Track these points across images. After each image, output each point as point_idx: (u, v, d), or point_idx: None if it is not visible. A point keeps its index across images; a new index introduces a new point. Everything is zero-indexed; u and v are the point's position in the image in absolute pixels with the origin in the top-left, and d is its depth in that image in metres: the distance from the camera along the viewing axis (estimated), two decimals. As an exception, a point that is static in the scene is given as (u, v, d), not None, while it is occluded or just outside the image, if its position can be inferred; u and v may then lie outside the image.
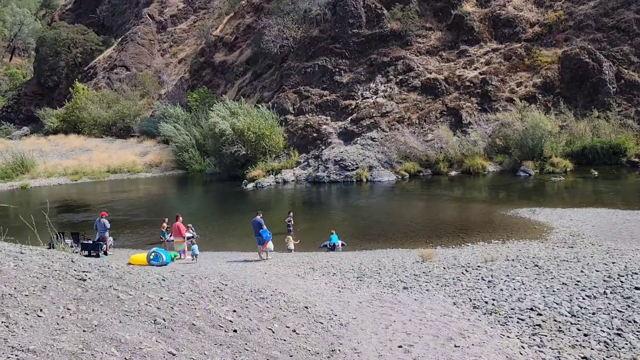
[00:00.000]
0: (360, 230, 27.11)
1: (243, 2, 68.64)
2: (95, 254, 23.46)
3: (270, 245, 22.49)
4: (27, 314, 5.14)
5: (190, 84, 65.93)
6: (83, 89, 70.65)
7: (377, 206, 33.31)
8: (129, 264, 21.37)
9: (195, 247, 22.80)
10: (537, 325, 11.18)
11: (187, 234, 25.05)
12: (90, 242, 24.08)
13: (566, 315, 11.68)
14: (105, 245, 23.94)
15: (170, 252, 22.05)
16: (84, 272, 6.98)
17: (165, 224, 25.89)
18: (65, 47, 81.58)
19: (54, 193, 44.44)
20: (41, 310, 5.32)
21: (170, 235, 24.10)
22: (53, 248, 19.31)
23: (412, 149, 39.85)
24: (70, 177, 48.22)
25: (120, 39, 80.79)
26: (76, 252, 23.46)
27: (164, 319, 6.36)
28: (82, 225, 29.82)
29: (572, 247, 19.92)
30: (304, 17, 48.89)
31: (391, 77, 44.19)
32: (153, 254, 21.28)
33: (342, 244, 23.26)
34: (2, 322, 4.82)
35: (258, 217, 21.39)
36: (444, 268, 16.79)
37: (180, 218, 22.65)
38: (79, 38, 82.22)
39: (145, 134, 60.33)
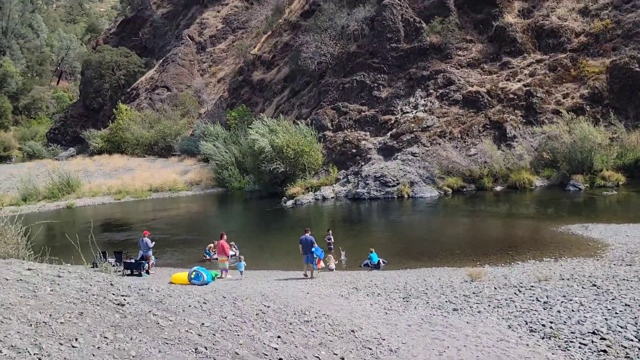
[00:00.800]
0: (403, 247, 26.41)
1: (280, 20, 69.10)
2: (137, 272, 23.42)
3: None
4: (62, 344, 4.80)
5: (229, 103, 66.46)
6: (126, 109, 72.02)
7: (419, 223, 32.53)
8: (171, 283, 21.22)
9: (242, 263, 22.55)
10: (602, 351, 10.37)
11: (230, 252, 24.86)
12: (133, 261, 24.07)
13: (633, 340, 10.83)
14: (147, 264, 23.90)
15: (211, 271, 21.81)
16: (122, 296, 6.66)
17: (212, 245, 25.75)
18: (109, 70, 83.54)
19: (98, 212, 45.05)
20: (76, 339, 4.97)
21: (215, 254, 23.89)
22: (96, 267, 19.30)
23: (454, 164, 38.94)
24: (114, 196, 48.88)
25: (161, 60, 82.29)
26: (119, 271, 23.47)
27: (205, 348, 5.95)
28: (125, 244, 29.95)
29: (630, 265, 18.82)
30: (342, 33, 48.72)
31: (431, 91, 43.48)
32: (194, 273, 21.07)
33: (383, 262, 22.63)
34: (35, 354, 4.48)
35: (307, 234, 21.01)
36: (495, 288, 16.00)
37: (225, 236, 22.44)
38: (122, 61, 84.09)
39: (186, 152, 60.92)
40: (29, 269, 6.35)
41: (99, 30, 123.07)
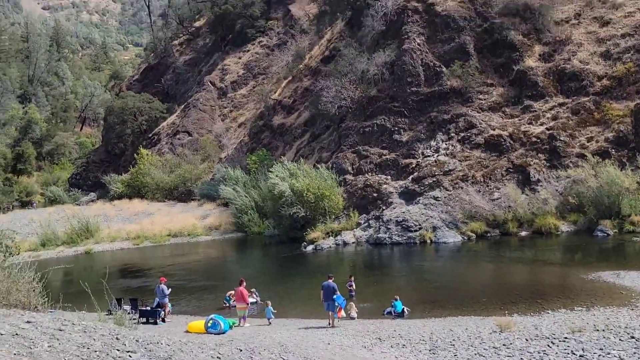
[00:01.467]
0: (427, 295, 25.52)
1: (301, 66, 69.86)
2: (153, 320, 22.82)
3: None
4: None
5: (249, 147, 66.68)
6: (147, 154, 72.61)
7: (443, 269, 31.62)
8: (187, 331, 20.57)
9: (270, 309, 21.91)
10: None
11: (251, 299, 24.20)
12: (149, 308, 23.51)
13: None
14: (163, 312, 23.30)
15: (229, 320, 21.13)
16: (128, 352, 6.12)
17: (232, 292, 25.08)
18: (132, 116, 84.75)
19: (116, 258, 44.79)
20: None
21: (234, 301, 23.27)
22: (111, 314, 18.76)
23: (477, 208, 38.12)
24: (133, 241, 48.68)
25: (183, 105, 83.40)
26: (134, 319, 22.88)
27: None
28: (141, 291, 29.44)
29: (669, 315, 17.80)
30: (362, 78, 48.85)
31: (453, 134, 43.05)
32: (211, 321, 20.42)
33: (407, 310, 21.78)
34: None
35: (330, 281, 20.34)
36: (527, 340, 15.10)
37: (244, 283, 21.84)
38: (144, 106, 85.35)
39: (206, 197, 60.85)
40: (28, 322, 5.87)
41: (123, 77, 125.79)
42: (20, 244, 43.49)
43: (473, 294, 24.34)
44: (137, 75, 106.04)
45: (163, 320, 22.93)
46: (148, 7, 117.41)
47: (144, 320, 22.94)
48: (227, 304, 25.26)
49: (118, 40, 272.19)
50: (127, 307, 24.20)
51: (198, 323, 20.87)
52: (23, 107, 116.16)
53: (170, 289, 23.82)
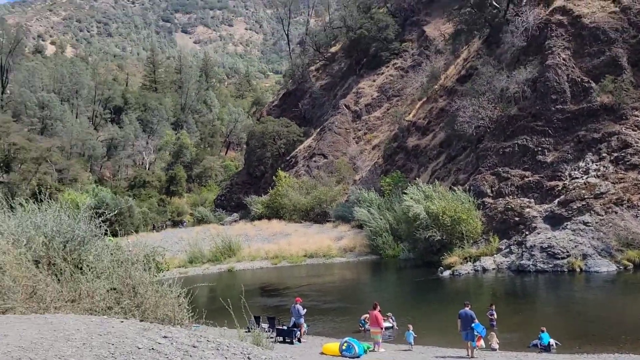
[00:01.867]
0: (578, 328, 23.47)
1: (436, 86, 68.75)
2: (289, 340, 23.16)
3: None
4: None
5: (383, 169, 66.51)
6: (285, 177, 75.12)
7: (596, 300, 28.98)
8: (322, 353, 20.58)
9: (411, 333, 21.48)
10: None
11: (386, 324, 23.84)
12: (285, 327, 23.91)
13: None
14: (299, 332, 23.58)
15: (364, 344, 20.87)
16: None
17: (367, 315, 24.82)
18: (271, 140, 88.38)
19: (255, 276, 46.44)
20: None
21: (369, 325, 23.02)
22: (250, 332, 19.27)
23: (635, 235, 34.62)
24: (271, 260, 50.25)
25: (319, 129, 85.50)
26: (271, 337, 23.35)
27: None
28: (278, 310, 30.09)
29: None
30: (501, 96, 46.82)
31: (604, 154, 39.69)
32: (345, 344, 20.28)
33: (556, 344, 20.10)
34: None
35: (467, 308, 19.49)
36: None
37: (378, 307, 21.52)
38: (283, 130, 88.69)
39: (341, 218, 61.45)
40: (165, 337, 6.01)
41: (263, 103, 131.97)
42: (170, 260, 46.68)
43: (632, 330, 21.97)
44: (276, 101, 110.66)
45: (299, 341, 23.19)
46: (287, 36, 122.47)
47: (281, 339, 23.35)
48: (362, 327, 25.01)
49: (260, 68, 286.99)
50: (265, 326, 24.83)
51: (333, 345, 20.81)
52: (176, 133, 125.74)
53: (305, 310, 24.06)
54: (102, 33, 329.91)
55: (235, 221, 79.62)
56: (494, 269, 37.55)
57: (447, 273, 38.15)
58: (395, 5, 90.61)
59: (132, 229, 66.75)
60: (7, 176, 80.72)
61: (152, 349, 5.38)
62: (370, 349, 20.95)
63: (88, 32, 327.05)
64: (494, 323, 23.39)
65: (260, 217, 73.41)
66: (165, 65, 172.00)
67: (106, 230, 12.57)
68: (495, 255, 38.63)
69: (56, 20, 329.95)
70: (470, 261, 38.79)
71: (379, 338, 21.13)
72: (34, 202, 11.17)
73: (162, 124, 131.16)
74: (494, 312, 23.80)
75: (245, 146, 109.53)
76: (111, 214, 11.73)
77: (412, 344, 21.33)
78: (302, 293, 32.30)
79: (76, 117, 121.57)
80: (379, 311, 21.34)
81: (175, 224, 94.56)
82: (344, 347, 20.10)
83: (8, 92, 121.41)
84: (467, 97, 50.14)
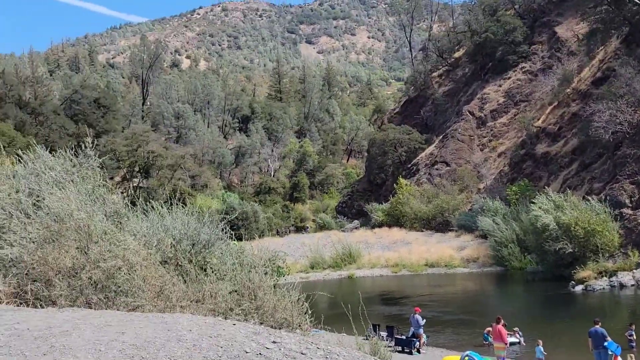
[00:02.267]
0: None
1: (568, 90, 64.75)
2: (408, 350, 22.83)
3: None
4: None
5: (509, 177, 63.72)
6: (406, 184, 74.41)
7: None
8: (441, 366, 20.08)
9: (540, 348, 20.56)
10: None
11: (512, 339, 22.92)
12: (404, 337, 23.60)
13: None
14: (418, 342, 23.16)
15: (486, 358, 20.04)
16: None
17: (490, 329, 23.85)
18: (392, 147, 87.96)
19: (375, 284, 46.37)
20: None
21: (492, 339, 22.15)
22: (367, 339, 19.21)
23: None
24: (391, 268, 49.91)
25: (441, 136, 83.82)
26: (389, 347, 23.14)
27: None
28: (397, 319, 29.76)
29: None
30: (642, 99, 43.19)
31: None
32: (467, 358, 19.61)
33: None
34: None
35: (597, 326, 18.20)
36: None
37: (502, 320, 20.61)
38: (404, 138, 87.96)
39: (463, 228, 59.67)
40: (274, 342, 6.09)
41: (384, 111, 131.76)
42: (292, 265, 47.93)
43: None
44: (397, 108, 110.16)
45: (418, 351, 22.78)
46: (409, 42, 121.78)
47: (399, 349, 23.06)
48: (486, 342, 24.05)
49: (382, 76, 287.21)
50: (384, 334, 24.64)
51: (453, 358, 20.21)
52: (299, 141, 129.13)
53: (425, 320, 23.60)
54: (232, 46, 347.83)
55: (356, 228, 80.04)
56: (633, 285, 34.55)
57: (579, 288, 35.70)
58: (524, 6, 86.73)
59: (257, 234, 69.40)
60: (146, 181, 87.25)
61: (260, 353, 5.47)
62: (493, 365, 20.12)
63: (219, 45, 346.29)
64: (634, 344, 21.57)
65: (380, 225, 73.26)
66: (290, 76, 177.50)
67: (231, 234, 13.13)
68: (634, 271, 35.53)
69: (191, 35, 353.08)
70: (605, 276, 36.02)
71: (502, 353, 20.21)
72: (169, 206, 11.90)
73: (286, 132, 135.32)
74: (633, 333, 21.96)
75: (366, 154, 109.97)
76: (231, 217, 12.20)
77: (542, 359, 20.26)
78: (422, 303, 31.69)
79: (207, 127, 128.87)
80: (503, 325, 20.41)
81: (299, 229, 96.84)
82: (464, 361, 19.46)
83: (148, 103, 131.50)
84: (603, 100, 46.74)
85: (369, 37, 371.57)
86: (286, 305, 12.44)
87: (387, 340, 23.55)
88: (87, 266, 8.17)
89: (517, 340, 23.98)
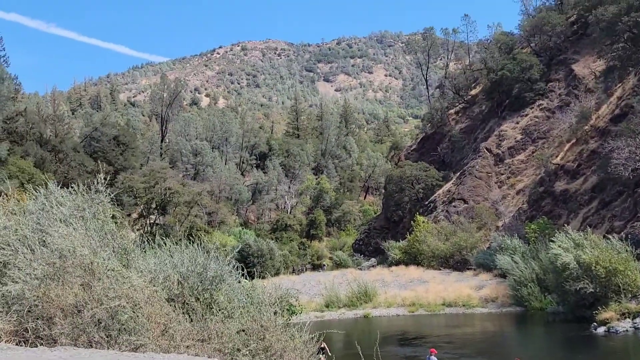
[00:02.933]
0: None
1: (586, 127, 64.30)
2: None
3: None
4: None
5: (528, 215, 62.86)
6: (423, 222, 73.70)
7: None
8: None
9: None
10: None
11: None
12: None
13: None
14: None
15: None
16: None
17: None
18: (409, 184, 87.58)
19: (391, 323, 45.48)
20: None
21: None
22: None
23: None
24: (408, 308, 48.96)
25: (458, 173, 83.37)
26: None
27: None
28: (413, 360, 29.05)
29: None
30: (662, 136, 42.69)
31: None
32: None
33: None
34: None
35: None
36: None
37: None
38: (421, 175, 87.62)
39: (482, 266, 58.63)
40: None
41: (402, 148, 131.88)
42: (307, 304, 47.28)
43: None
44: (414, 145, 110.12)
45: (434, 395, 22.10)
46: (426, 80, 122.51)
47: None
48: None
49: (399, 113, 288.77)
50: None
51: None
52: (316, 178, 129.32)
53: None
54: (250, 84, 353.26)
55: (373, 266, 79.19)
56: (657, 327, 33.48)
57: (601, 329, 34.63)
58: (540, 44, 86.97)
59: (272, 271, 68.90)
60: (163, 218, 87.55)
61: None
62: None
63: (238, 84, 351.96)
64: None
65: (397, 263, 72.37)
66: (307, 113, 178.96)
67: (245, 271, 12.92)
68: (659, 313, 34.46)
69: (211, 74, 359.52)
70: (629, 317, 34.94)
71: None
72: (187, 243, 11.77)
73: (303, 169, 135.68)
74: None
75: (383, 191, 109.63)
76: (238, 249, 12.05)
77: None
78: (438, 344, 30.90)
79: (225, 163, 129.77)
80: (522, 368, 19.77)
81: (315, 267, 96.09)
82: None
83: (167, 140, 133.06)
84: (622, 137, 46.30)
85: (386, 75, 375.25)
86: (296, 345, 12.12)
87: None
88: (89, 304, 8.03)
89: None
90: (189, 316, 9.81)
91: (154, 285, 9.33)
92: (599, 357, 30.12)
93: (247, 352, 10.65)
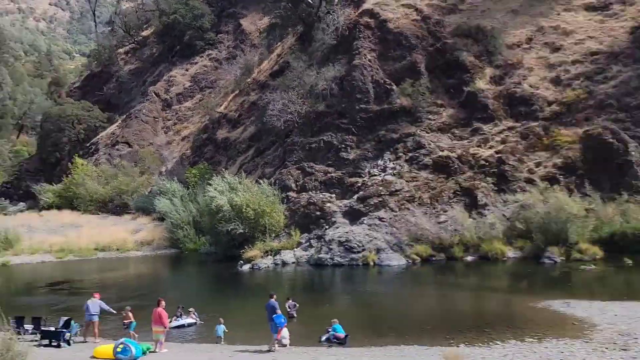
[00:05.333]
0: (368, 321, 23.57)
1: (249, 80, 67.78)
2: (56, 343, 20.01)
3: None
4: None
5: (191, 161, 63.84)
6: (82, 164, 68.61)
7: (386, 294, 29.79)
8: (93, 357, 18.01)
9: (221, 327, 20.05)
10: None
11: (189, 320, 22.55)
12: (52, 329, 20.68)
13: None
14: (69, 333, 20.48)
15: (142, 344, 18.59)
16: None
17: (124, 314, 22.11)
18: (69, 124, 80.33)
19: (36, 271, 41.17)
20: None
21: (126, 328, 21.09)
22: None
23: (423, 231, 36.65)
24: (56, 254, 44.95)
25: (124, 116, 79.80)
26: (35, 340, 20.11)
27: None
28: (62, 309, 26.35)
29: (625, 349, 16.42)
30: (310, 92, 47.12)
31: (400, 154, 41.68)
32: (121, 346, 17.92)
33: (346, 336, 19.72)
34: None
35: (272, 299, 18.57)
36: (477, 375, 13.30)
37: (163, 303, 19.36)
38: (83, 115, 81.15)
39: (141, 210, 57.46)
40: None
41: (63, 84, 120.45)
42: None
43: (417, 322, 22.60)
44: (78, 82, 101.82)
45: (68, 343, 20.14)
46: (94, 13, 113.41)
47: (46, 342, 20.10)
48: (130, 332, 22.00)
49: (65, 49, 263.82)
50: (29, 327, 21.37)
51: (106, 348, 18.27)
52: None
53: (110, 307, 21.30)
54: None
55: (22, 211, 70.92)
56: (293, 262, 37.30)
57: (247, 267, 37.08)
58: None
59: None
60: None
61: None
62: (151, 350, 18.79)
63: None
64: (294, 315, 22.96)
65: (50, 207, 66.19)
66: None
67: None
68: (295, 249, 38.42)
69: None
70: (271, 255, 38.14)
71: (161, 337, 19.01)
72: None
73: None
74: (296, 304, 23.40)
75: (39, 130, 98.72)
76: None
77: (222, 337, 19.99)
78: (87, 290, 28.74)
79: None
80: (163, 307, 19.23)
81: None
82: (119, 350, 17.71)
83: None
84: (277, 90, 49.76)
85: (50, 4, 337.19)
86: None
87: (34, 334, 20.61)
88: None
89: (194, 321, 23.32)
90: None
91: None
92: (242, 289, 32.09)
93: None
